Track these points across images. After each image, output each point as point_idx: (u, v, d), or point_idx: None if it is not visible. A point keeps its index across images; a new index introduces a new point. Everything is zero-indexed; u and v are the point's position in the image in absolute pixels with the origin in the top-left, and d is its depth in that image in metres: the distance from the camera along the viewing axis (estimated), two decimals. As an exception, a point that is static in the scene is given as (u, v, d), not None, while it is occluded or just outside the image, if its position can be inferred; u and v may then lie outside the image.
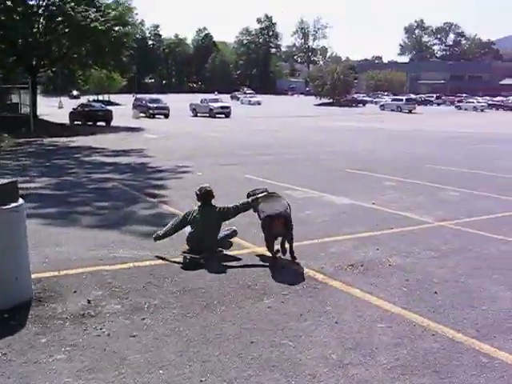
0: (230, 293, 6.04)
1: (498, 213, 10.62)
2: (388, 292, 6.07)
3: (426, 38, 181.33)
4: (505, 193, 12.80)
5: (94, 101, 67.36)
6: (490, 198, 12.29)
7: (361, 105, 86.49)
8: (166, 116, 50.02)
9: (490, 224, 9.61)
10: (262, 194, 7.70)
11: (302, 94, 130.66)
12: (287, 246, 7.22)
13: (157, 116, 50.00)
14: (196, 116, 53.06)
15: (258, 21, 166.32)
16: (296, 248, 7.35)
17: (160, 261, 7.11)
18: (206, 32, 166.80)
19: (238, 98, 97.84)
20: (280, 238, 7.26)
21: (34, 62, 37.98)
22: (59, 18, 37.26)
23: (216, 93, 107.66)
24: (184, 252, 7.25)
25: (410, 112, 68.53)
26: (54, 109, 58.75)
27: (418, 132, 35.42)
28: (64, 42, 38.78)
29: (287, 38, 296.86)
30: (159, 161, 18.45)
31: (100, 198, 11.56)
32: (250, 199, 7.74)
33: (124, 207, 10.49)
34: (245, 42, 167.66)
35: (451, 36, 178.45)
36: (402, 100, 74.31)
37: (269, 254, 7.20)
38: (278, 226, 7.07)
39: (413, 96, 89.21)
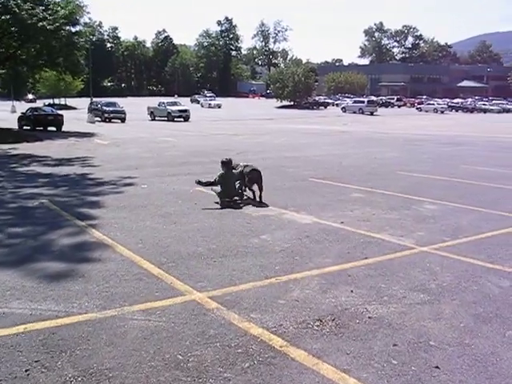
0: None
1: (485, 231, 9.12)
2: (372, 369, 4.37)
3: (385, 41, 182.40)
4: (485, 204, 11.40)
5: (49, 105, 64.81)
6: (472, 211, 10.83)
7: (322, 107, 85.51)
8: (123, 120, 48.14)
9: (481, 247, 8.09)
10: (244, 164, 12.16)
11: (263, 96, 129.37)
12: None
13: (113, 120, 47.98)
14: (154, 120, 51.18)
15: (219, 23, 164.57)
16: (250, 292, 5.93)
17: (64, 320, 5.30)
18: (166, 34, 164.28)
19: (198, 101, 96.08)
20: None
21: (-24, 64, 35.62)
22: (4, 17, 34.96)
23: (176, 96, 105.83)
24: (221, 199, 11.20)
25: (371, 114, 67.72)
26: (6, 113, 56.00)
27: (381, 134, 34.19)
28: (10, 43, 36.50)
29: (248, 41, 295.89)
30: (103, 171, 16.59)
31: (17, 221, 9.64)
32: (241, 169, 11.78)
33: (42, 234, 8.62)
34: (205, 44, 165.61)
35: (410, 39, 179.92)
36: (363, 102, 73.56)
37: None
38: (256, 176, 11.56)
39: (374, 98, 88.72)
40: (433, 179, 15.32)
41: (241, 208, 11.03)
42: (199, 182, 11.70)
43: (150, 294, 6.02)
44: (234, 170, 11.67)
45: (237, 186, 11.57)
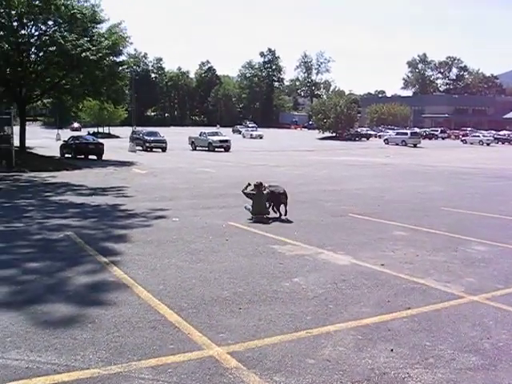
0: None
1: (543, 279, 8.21)
2: None
3: (429, 72, 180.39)
4: (542, 247, 10.43)
5: (92, 133, 65.71)
6: (526, 254, 9.91)
7: (364, 139, 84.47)
8: (164, 149, 48.27)
9: (539, 298, 7.20)
10: (268, 185, 13.83)
11: (304, 127, 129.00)
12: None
13: (154, 150, 48.15)
14: (195, 150, 51.14)
15: (261, 54, 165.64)
16: (276, 348, 5.34)
17: (62, 377, 4.69)
18: (209, 65, 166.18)
19: (239, 132, 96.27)
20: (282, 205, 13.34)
21: (22, 92, 36.17)
22: (50, 48, 35.66)
23: (218, 126, 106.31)
24: (253, 215, 13.01)
25: (414, 146, 66.35)
26: (51, 141, 56.91)
27: (425, 167, 33.13)
28: (55, 72, 37.15)
29: (290, 72, 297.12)
30: (135, 202, 16.18)
31: (37, 255, 9.19)
32: (269, 191, 13.45)
33: (59, 271, 8.10)
34: (248, 75, 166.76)
35: (454, 70, 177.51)
36: (406, 134, 72.20)
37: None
38: (283, 198, 13.39)
39: (417, 130, 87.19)
40: (481, 216, 14.39)
41: (269, 223, 12.83)
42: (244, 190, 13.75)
43: (163, 346, 5.38)
44: (264, 192, 13.37)
45: (266, 204, 13.39)
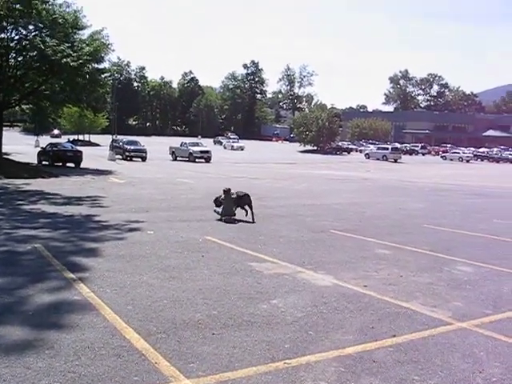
0: None
1: (531, 304, 7.84)
2: None
3: (410, 88, 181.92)
4: (528, 269, 10.09)
5: (72, 141, 64.86)
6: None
7: (345, 153, 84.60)
8: (144, 159, 47.72)
9: (529, 326, 6.82)
10: (238, 191, 15.57)
11: (286, 140, 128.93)
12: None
13: (134, 159, 47.51)
14: (175, 160, 50.59)
15: (245, 66, 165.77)
16: (252, 381, 4.92)
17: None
18: (192, 76, 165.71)
19: (220, 143, 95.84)
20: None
21: (0, 97, 35.38)
22: (30, 53, 35.01)
23: (199, 137, 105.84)
24: (222, 217, 14.76)
25: (395, 161, 66.53)
26: (30, 147, 55.92)
27: (405, 183, 33.00)
28: (34, 77, 36.46)
29: (273, 85, 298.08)
30: (110, 213, 15.62)
31: (-1, 269, 8.62)
32: (235, 196, 15.29)
33: (20, 288, 7.53)
34: (230, 86, 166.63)
35: (435, 87, 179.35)
36: (387, 149, 72.50)
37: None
38: (247, 199, 15.25)
39: (398, 145, 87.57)
40: (464, 235, 14.08)
41: (235, 223, 14.64)
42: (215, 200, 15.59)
43: (126, 378, 4.87)
44: (232, 196, 15.17)
45: (233, 207, 15.11)
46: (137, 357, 5.35)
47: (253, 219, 14.95)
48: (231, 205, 15.02)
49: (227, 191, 15.14)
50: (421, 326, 6.65)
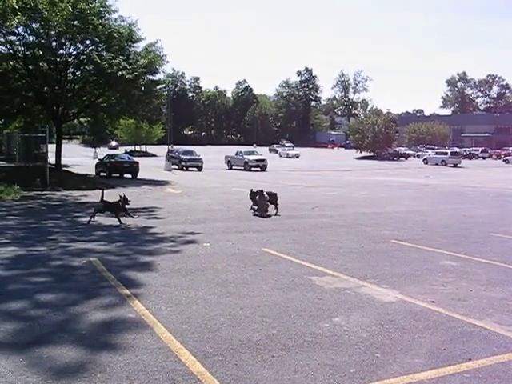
0: None
1: None
2: None
3: (468, 91, 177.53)
4: None
5: (129, 152, 66.02)
6: None
7: (403, 158, 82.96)
8: (199, 168, 47.99)
9: None
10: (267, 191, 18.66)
11: (342, 146, 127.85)
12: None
13: (190, 168, 47.82)
14: (231, 169, 50.69)
15: (298, 73, 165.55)
16: None
17: None
18: (246, 84, 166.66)
19: (276, 151, 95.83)
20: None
21: (59, 111, 36.23)
22: (87, 67, 35.76)
23: (255, 145, 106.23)
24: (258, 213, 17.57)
25: (455, 166, 64.70)
26: (89, 159, 57.13)
27: (467, 188, 31.83)
28: (92, 91, 37.20)
29: (327, 91, 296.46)
30: (166, 224, 15.51)
31: (53, 284, 8.50)
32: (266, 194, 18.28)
33: (73, 305, 7.36)
34: (284, 94, 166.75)
35: (495, 88, 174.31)
36: (446, 154, 70.52)
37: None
38: (275, 198, 18.31)
39: (457, 149, 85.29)
40: (536, 245, 13.27)
41: (267, 217, 17.34)
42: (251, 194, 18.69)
43: (181, 406, 4.57)
44: (264, 195, 18.21)
45: (266, 205, 18.01)
46: (192, 382, 5.04)
47: (276, 213, 17.97)
48: (264, 203, 18.04)
49: (260, 192, 18.29)
50: (498, 348, 6.11)
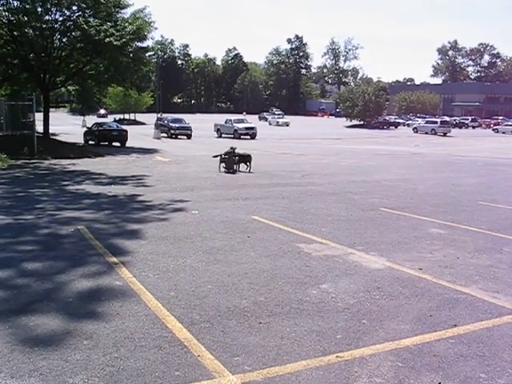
0: None
1: None
2: None
3: (459, 60, 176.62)
4: None
5: (118, 120, 65.46)
6: None
7: (393, 127, 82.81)
8: (189, 137, 47.64)
9: None
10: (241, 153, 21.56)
11: (332, 115, 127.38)
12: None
13: (179, 137, 47.49)
14: (220, 137, 50.40)
15: (289, 41, 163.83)
16: (300, 378, 4.52)
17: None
18: (236, 52, 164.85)
19: (266, 119, 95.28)
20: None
21: (46, 78, 35.70)
22: (74, 33, 35.12)
23: (244, 113, 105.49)
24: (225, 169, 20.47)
25: (444, 135, 64.73)
26: (77, 127, 56.58)
27: (456, 157, 31.90)
28: (79, 58, 36.62)
29: (318, 59, 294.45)
30: (155, 192, 15.44)
31: (40, 253, 8.44)
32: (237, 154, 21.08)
33: (60, 273, 7.31)
34: (275, 62, 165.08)
35: (486, 57, 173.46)
36: (436, 122, 70.49)
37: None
38: (248, 158, 21.34)
39: (447, 118, 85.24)
40: (523, 213, 13.34)
41: (235, 173, 20.44)
42: (215, 156, 21.56)
43: (167, 373, 4.56)
44: (235, 156, 20.92)
45: (234, 164, 20.78)
46: (179, 349, 5.04)
47: (249, 171, 20.82)
48: (232, 161, 20.68)
49: (232, 151, 20.90)
50: (484, 314, 6.15)
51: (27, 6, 32.49)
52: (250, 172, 20.53)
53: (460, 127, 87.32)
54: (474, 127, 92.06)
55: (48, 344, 5.07)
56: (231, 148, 21.39)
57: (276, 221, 11.42)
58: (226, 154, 21.05)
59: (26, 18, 33.18)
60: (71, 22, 34.19)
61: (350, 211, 12.87)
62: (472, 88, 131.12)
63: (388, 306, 6.37)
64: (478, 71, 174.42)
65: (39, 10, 33.46)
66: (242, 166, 21.30)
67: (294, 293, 6.73)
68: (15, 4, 32.39)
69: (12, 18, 32.69)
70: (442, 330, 5.63)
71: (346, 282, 7.25)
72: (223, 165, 20.85)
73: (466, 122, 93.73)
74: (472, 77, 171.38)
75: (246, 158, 21.34)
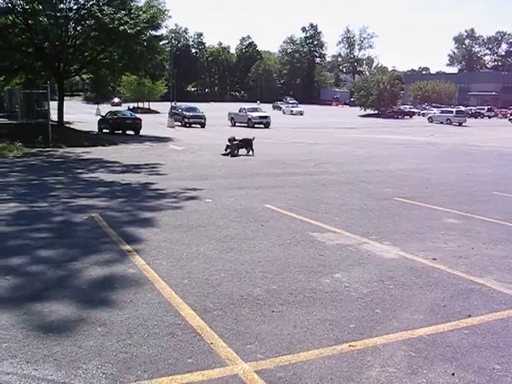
0: None
1: None
2: None
3: (476, 48, 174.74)
4: None
5: (132, 108, 65.63)
6: None
7: (407, 117, 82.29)
8: (203, 125, 47.62)
9: None
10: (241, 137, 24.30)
11: (346, 104, 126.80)
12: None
13: (193, 125, 47.48)
14: (234, 126, 50.31)
15: (303, 30, 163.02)
16: (312, 367, 4.49)
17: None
18: (250, 41, 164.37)
19: (280, 108, 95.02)
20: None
21: (61, 67, 35.81)
22: (88, 22, 35.17)
23: (258, 102, 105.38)
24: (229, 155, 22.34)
25: (459, 125, 64.22)
26: (91, 116, 56.78)
27: (472, 147, 31.63)
28: (93, 46, 36.68)
29: (332, 48, 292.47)
30: (168, 180, 15.48)
31: (54, 240, 8.49)
32: (239, 139, 23.52)
33: (73, 260, 7.34)
34: (289, 51, 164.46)
35: (503, 46, 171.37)
36: (451, 112, 69.89)
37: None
38: (250, 141, 23.40)
39: (463, 108, 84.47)
40: (539, 203, 13.21)
41: (237, 156, 22.56)
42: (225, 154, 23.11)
43: (180, 360, 4.58)
44: (235, 142, 23.11)
45: (235, 150, 22.79)
46: (192, 336, 5.05)
47: (252, 154, 22.87)
48: (234, 148, 22.76)
49: (232, 139, 23.18)
50: (498, 305, 6.10)
51: (41, -6, 32.58)
52: (251, 155, 22.80)
53: (476, 117, 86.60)
54: (489, 117, 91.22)
55: (62, 330, 5.10)
56: (232, 138, 23.60)
57: (289, 209, 11.40)
58: (229, 141, 23.26)
59: (40, 7, 33.26)
60: (85, 11, 34.23)
61: (363, 200, 12.81)
62: (488, 77, 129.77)
63: (401, 295, 6.34)
64: (495, 60, 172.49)
65: (54, -2, 33.54)
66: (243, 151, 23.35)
67: (308, 281, 6.72)
68: (30, -8, 32.47)
69: (27, 7, 32.78)
70: (456, 321, 5.60)
71: (360, 271, 7.23)
72: (228, 151, 22.85)
73: (482, 111, 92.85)
74: (489, 66, 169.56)
75: (247, 143, 23.30)
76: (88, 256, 7.56)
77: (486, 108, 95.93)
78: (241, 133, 39.99)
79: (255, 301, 6.01)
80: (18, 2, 32.60)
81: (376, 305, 6.00)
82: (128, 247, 8.09)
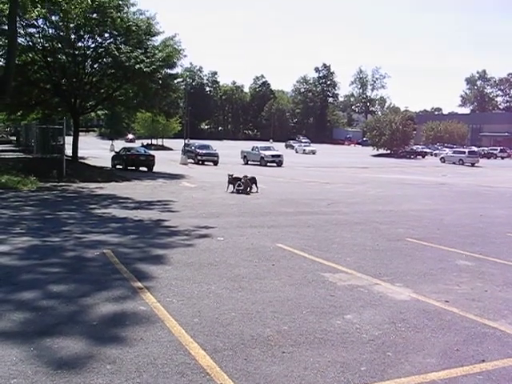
0: None
1: None
2: None
3: (488, 90, 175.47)
4: None
5: (145, 145, 66.27)
6: None
7: (420, 157, 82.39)
8: (215, 163, 47.98)
9: None
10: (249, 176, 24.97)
11: (358, 144, 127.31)
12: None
13: (206, 163, 47.83)
14: (247, 164, 50.57)
15: (316, 70, 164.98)
16: None
17: None
18: (264, 80, 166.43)
19: (292, 147, 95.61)
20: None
21: (77, 103, 36.44)
22: (105, 60, 35.91)
23: (271, 140, 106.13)
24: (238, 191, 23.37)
25: (472, 165, 64.09)
26: (105, 151, 57.38)
27: (485, 188, 31.50)
28: (109, 83, 37.34)
29: (345, 88, 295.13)
30: (180, 218, 15.52)
31: (65, 275, 8.51)
32: (247, 178, 24.22)
33: (85, 296, 7.35)
34: (302, 90, 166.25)
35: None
36: (464, 153, 69.82)
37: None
38: (254, 180, 24.53)
39: (475, 148, 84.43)
40: (553, 246, 13.07)
41: (249, 194, 23.02)
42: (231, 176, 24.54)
43: (189, 400, 4.54)
44: (247, 179, 23.98)
45: (249, 185, 23.85)
46: (201, 376, 5.01)
47: (257, 191, 24.15)
48: (247, 184, 23.68)
49: (245, 176, 24.19)
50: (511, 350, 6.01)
51: (61, 34, 33.44)
52: (256, 192, 23.98)
53: (488, 157, 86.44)
54: (502, 157, 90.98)
55: (71, 367, 5.09)
56: (231, 175, 24.73)
57: (301, 249, 11.38)
58: (233, 178, 24.30)
59: (59, 45, 34.12)
60: (103, 49, 35.00)
61: (375, 241, 12.76)
62: (501, 118, 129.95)
63: (414, 338, 6.27)
64: (507, 101, 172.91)
65: (73, 37, 34.36)
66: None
67: (318, 322, 6.67)
68: (50, 31, 33.35)
69: (46, 45, 33.61)
70: (470, 365, 5.52)
71: (371, 312, 7.17)
72: (238, 188, 23.69)
73: (495, 152, 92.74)
74: (501, 107, 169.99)
75: (252, 181, 24.39)
76: (99, 292, 7.56)
77: (498, 149, 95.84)
78: (253, 171, 40.29)
79: (266, 341, 5.97)
80: (39, 41, 33.42)
81: (388, 347, 5.93)
82: (139, 284, 8.09)
